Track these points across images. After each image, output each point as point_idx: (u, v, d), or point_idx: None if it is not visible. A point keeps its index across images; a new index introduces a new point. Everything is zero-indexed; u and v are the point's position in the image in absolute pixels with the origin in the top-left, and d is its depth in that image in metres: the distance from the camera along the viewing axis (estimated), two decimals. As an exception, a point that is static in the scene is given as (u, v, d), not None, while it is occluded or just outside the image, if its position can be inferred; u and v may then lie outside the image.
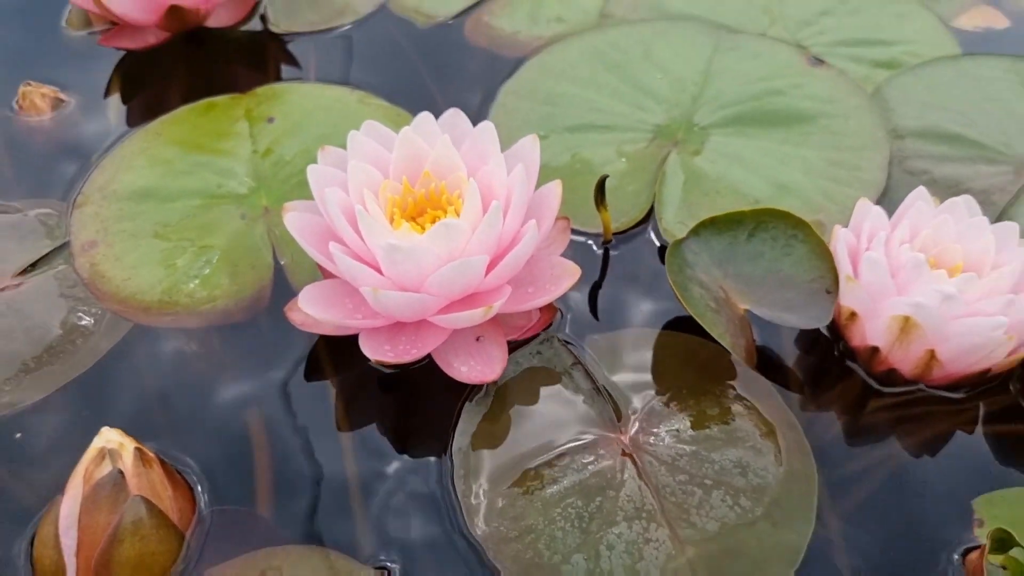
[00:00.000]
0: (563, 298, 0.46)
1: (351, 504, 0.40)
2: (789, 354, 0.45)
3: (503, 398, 0.42)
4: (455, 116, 0.45)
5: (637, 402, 0.42)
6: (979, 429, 0.42)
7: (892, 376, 0.42)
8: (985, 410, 0.42)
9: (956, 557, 0.38)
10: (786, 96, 0.56)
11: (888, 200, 0.49)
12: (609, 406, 0.42)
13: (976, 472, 0.41)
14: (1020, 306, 0.39)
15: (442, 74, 0.60)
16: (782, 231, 0.43)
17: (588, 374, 0.43)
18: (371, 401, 0.43)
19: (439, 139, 0.42)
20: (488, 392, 0.42)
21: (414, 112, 0.45)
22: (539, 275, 0.43)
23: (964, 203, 0.43)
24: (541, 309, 0.44)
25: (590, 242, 0.50)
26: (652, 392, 0.42)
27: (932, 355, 0.39)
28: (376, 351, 0.40)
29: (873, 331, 0.40)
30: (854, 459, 0.41)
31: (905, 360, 0.40)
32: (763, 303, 0.43)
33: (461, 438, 0.41)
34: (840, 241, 0.42)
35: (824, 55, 0.59)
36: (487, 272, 0.39)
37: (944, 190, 0.50)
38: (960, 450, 0.42)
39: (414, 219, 0.42)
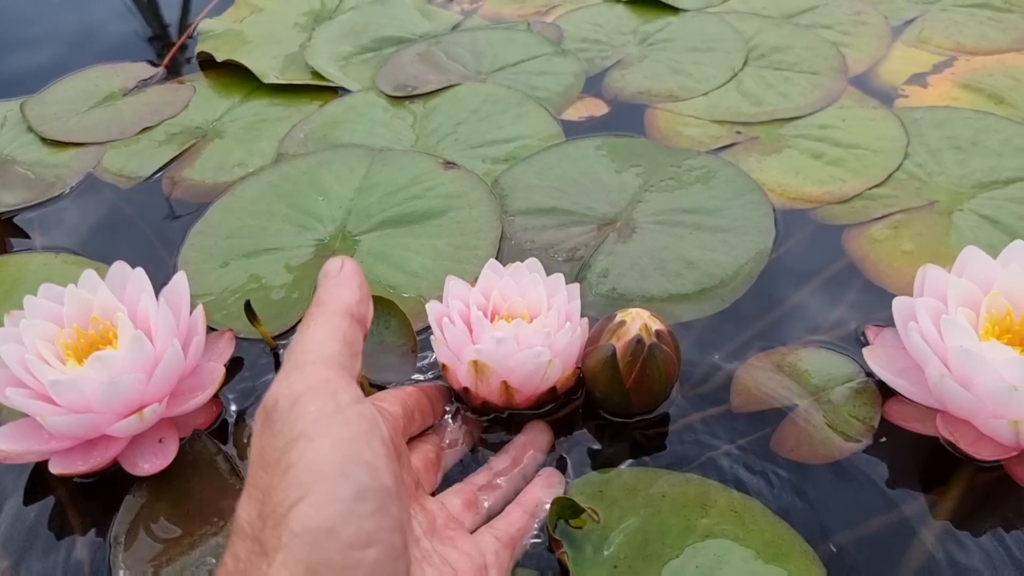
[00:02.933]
0: (246, 395, 0.57)
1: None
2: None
3: (156, 489, 0.51)
4: (120, 266, 0.55)
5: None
6: (569, 432, 0.54)
7: (488, 407, 0.54)
8: (565, 418, 0.54)
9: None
10: (422, 198, 0.69)
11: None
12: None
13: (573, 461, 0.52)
14: (558, 338, 0.51)
15: (143, 226, 0.71)
16: (382, 312, 0.56)
17: (227, 459, 0.52)
18: (83, 506, 0.52)
19: (100, 289, 0.53)
20: (141, 486, 0.51)
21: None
22: (204, 380, 0.53)
23: (527, 265, 0.56)
24: (214, 406, 0.54)
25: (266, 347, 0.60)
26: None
27: (506, 385, 0.52)
28: (69, 466, 0.50)
29: (461, 375, 0.52)
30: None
31: (490, 393, 0.53)
32: (373, 369, 0.54)
33: (119, 526, 0.49)
34: (431, 312, 0.54)
35: (457, 159, 0.73)
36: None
37: (542, 252, 0.64)
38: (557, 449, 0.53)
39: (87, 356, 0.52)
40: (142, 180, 0.75)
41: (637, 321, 0.50)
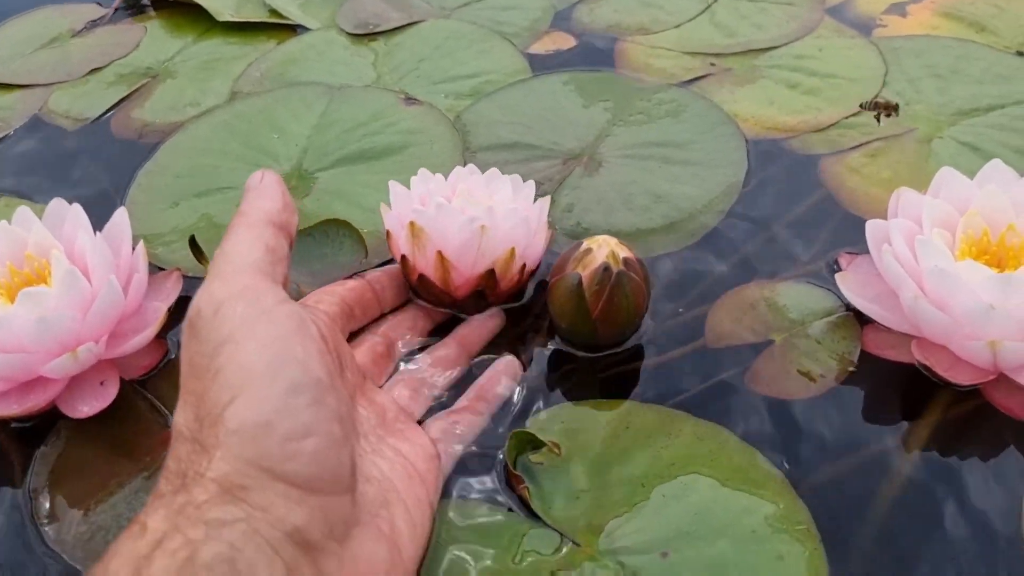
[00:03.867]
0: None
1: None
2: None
3: (74, 437, 0.48)
4: (58, 204, 0.52)
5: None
6: (532, 367, 0.51)
7: (426, 286, 0.50)
8: (529, 351, 0.51)
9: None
10: (382, 134, 0.66)
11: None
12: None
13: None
14: (502, 219, 0.48)
15: (92, 167, 0.68)
16: (334, 233, 0.54)
17: (145, 398, 0.50)
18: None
19: (35, 226, 0.50)
20: (59, 435, 0.48)
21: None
22: (147, 320, 0.51)
23: (508, 178, 0.53)
24: (158, 347, 0.52)
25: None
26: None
27: (442, 257, 0.48)
28: (3, 409, 0.47)
29: (401, 243, 0.50)
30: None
31: (427, 265, 0.49)
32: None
33: (37, 479, 0.47)
34: (392, 189, 0.51)
35: (420, 95, 0.70)
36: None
37: (506, 188, 0.61)
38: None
39: (21, 295, 0.49)
40: (89, 121, 0.71)
41: (604, 248, 0.48)
